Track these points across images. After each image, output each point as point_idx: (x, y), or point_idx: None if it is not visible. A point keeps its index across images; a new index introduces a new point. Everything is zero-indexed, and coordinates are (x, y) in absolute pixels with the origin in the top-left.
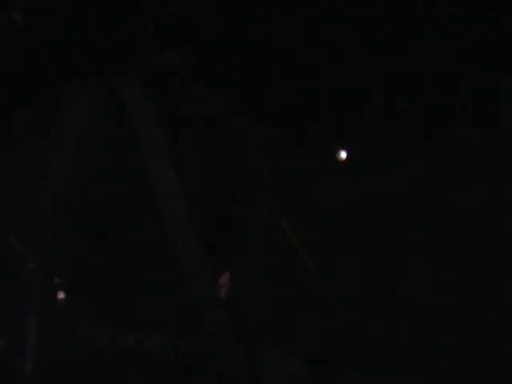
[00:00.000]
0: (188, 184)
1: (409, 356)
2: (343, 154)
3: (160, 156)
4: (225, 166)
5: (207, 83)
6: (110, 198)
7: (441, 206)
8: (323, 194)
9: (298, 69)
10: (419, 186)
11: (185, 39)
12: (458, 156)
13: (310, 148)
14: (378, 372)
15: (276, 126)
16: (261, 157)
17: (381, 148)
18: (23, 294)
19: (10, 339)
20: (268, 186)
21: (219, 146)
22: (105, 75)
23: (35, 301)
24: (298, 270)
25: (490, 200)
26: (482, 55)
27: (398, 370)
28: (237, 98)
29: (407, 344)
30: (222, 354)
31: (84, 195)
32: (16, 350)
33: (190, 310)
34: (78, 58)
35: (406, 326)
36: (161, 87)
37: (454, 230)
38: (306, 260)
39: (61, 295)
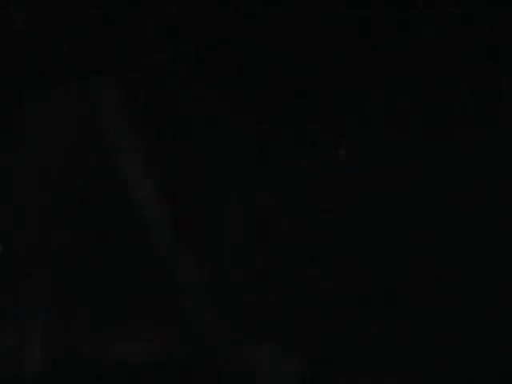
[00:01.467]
0: (182, 184)
1: (409, 356)
2: (343, 154)
3: (132, 156)
4: (220, 165)
5: (207, 83)
6: (109, 198)
7: (441, 206)
8: (323, 194)
9: (298, 69)
10: (419, 186)
11: (185, 39)
12: (458, 156)
13: (310, 148)
14: (378, 372)
15: (276, 125)
16: (260, 156)
17: (381, 148)
18: (23, 295)
19: (11, 340)
20: (268, 186)
21: (218, 145)
22: (104, 75)
23: (35, 301)
24: (297, 270)
25: (490, 200)
26: (482, 55)
27: (398, 370)
28: (237, 98)
29: (407, 344)
30: (222, 354)
31: (84, 195)
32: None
33: (189, 311)
34: (78, 58)
35: (405, 326)
36: (161, 87)
37: (454, 229)
38: (306, 260)
39: (60, 296)
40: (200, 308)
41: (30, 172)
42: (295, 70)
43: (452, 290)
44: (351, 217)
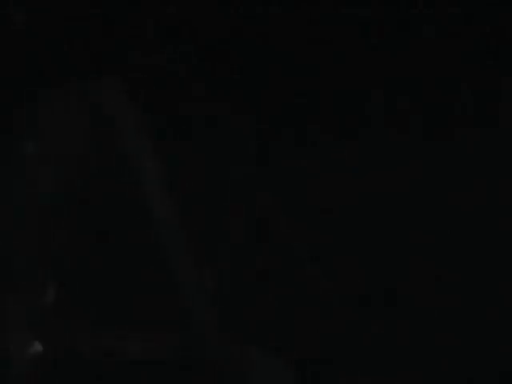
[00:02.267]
0: (182, 184)
1: (409, 356)
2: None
3: (145, 155)
4: (220, 165)
5: (207, 83)
6: (109, 198)
7: (441, 206)
8: (323, 193)
9: (298, 69)
10: (419, 186)
11: (185, 39)
12: (458, 156)
13: (310, 148)
14: (378, 372)
15: (276, 126)
16: (260, 156)
17: (381, 148)
18: (22, 295)
19: (10, 341)
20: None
21: (218, 146)
22: (104, 75)
23: (34, 301)
24: (297, 270)
25: (490, 200)
26: (482, 55)
27: (398, 370)
28: (237, 98)
29: (407, 344)
30: (222, 354)
31: (84, 195)
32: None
33: (189, 311)
34: (78, 58)
35: (406, 326)
36: (161, 87)
37: (454, 229)
38: (306, 260)
39: (60, 295)
40: (200, 308)
41: (30, 172)
42: (295, 69)
43: (452, 290)
44: (351, 217)
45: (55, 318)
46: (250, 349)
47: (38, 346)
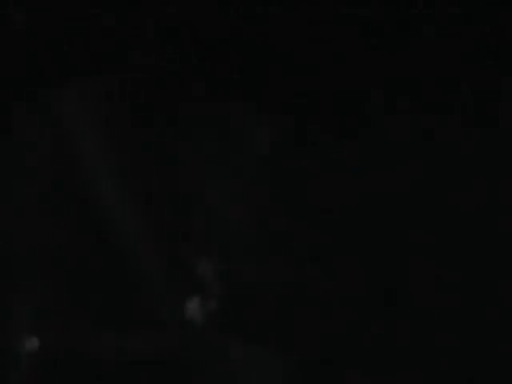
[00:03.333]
0: (182, 184)
1: (409, 356)
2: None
3: (103, 165)
4: (219, 165)
5: (207, 83)
6: (109, 198)
7: (441, 206)
8: (323, 193)
9: (298, 69)
10: (419, 186)
11: (185, 39)
12: (458, 156)
13: (310, 148)
14: (378, 372)
15: (276, 125)
16: (260, 156)
17: (381, 148)
18: (21, 295)
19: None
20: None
21: (218, 146)
22: (104, 75)
23: (34, 301)
24: (298, 270)
25: (490, 200)
26: (482, 55)
27: (398, 370)
28: (237, 98)
29: (407, 344)
30: (221, 353)
31: (84, 195)
32: (13, 354)
33: (189, 311)
34: (78, 58)
35: (406, 326)
36: (161, 87)
37: (454, 229)
38: (306, 261)
39: (59, 295)
40: (200, 308)
41: (30, 172)
42: (295, 69)
43: (452, 290)
44: (351, 217)
45: (55, 318)
46: (249, 349)
47: (38, 346)
